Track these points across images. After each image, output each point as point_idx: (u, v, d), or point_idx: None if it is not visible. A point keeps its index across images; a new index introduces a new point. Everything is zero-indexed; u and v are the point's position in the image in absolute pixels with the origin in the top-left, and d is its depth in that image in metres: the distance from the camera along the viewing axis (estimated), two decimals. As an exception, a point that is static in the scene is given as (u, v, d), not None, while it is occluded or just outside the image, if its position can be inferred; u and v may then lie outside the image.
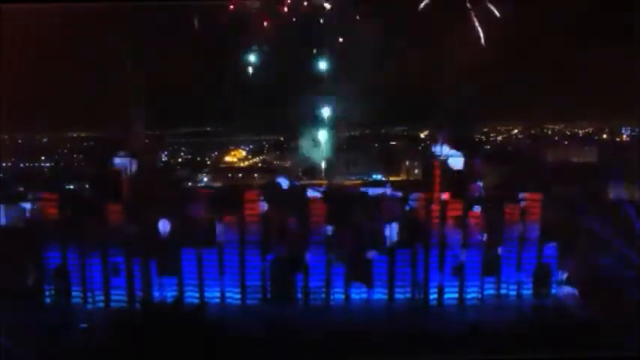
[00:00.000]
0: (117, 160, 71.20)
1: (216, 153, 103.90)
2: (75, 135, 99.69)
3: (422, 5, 71.17)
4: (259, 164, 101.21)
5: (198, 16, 74.06)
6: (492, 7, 73.42)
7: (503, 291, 70.37)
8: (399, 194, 71.12)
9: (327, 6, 77.92)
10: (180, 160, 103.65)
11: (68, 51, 75.20)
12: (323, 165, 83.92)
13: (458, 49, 71.39)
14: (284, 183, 70.71)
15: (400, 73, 75.81)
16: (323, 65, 78.73)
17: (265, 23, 76.65)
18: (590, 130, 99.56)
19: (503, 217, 70.00)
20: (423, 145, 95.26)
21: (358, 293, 69.53)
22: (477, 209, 69.41)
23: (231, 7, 75.14)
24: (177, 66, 78.16)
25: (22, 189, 78.43)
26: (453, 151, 71.36)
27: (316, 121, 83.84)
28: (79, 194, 74.04)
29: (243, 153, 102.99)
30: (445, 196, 70.27)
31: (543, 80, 76.49)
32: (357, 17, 77.60)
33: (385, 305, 68.98)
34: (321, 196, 69.39)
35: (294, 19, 77.14)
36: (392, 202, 70.26)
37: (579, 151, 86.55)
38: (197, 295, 69.19)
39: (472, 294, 69.66)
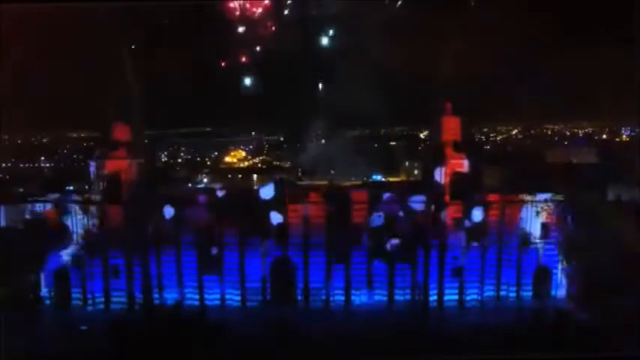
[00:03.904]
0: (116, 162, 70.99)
1: (216, 153, 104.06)
2: (75, 135, 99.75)
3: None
4: (259, 164, 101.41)
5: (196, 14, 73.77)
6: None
7: (503, 292, 70.48)
8: (398, 195, 70.90)
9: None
10: (179, 160, 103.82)
11: (67, 51, 75.01)
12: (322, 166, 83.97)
13: (458, 46, 71.20)
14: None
15: (400, 72, 75.65)
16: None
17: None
18: (590, 130, 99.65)
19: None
20: (422, 145, 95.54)
21: (358, 295, 69.58)
22: (478, 211, 69.27)
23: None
24: (176, 66, 78.10)
25: (21, 190, 78.52)
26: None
27: (316, 121, 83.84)
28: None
29: (243, 153, 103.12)
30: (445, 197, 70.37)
31: (543, 80, 76.22)
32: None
33: (385, 307, 69.05)
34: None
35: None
36: (391, 203, 70.15)
37: (579, 151, 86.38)
38: (197, 297, 69.34)
39: (472, 295, 69.79)
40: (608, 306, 59.95)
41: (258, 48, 73.96)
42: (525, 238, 70.17)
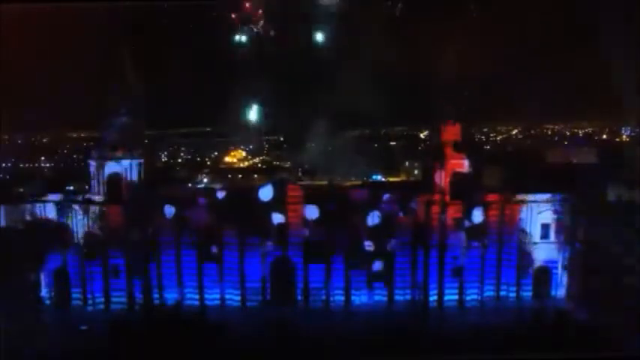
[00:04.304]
0: (116, 162, 71.00)
1: (216, 153, 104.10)
2: (75, 135, 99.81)
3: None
4: (259, 164, 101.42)
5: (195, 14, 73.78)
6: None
7: (503, 292, 70.50)
8: (398, 196, 70.95)
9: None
10: (179, 160, 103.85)
11: (67, 51, 75.07)
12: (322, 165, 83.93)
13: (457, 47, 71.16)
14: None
15: (400, 71, 75.66)
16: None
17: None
18: (590, 130, 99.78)
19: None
20: (422, 145, 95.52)
21: (358, 295, 69.61)
22: (478, 211, 69.27)
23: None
24: (175, 65, 78.12)
25: (21, 190, 78.55)
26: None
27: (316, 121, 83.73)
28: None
29: (243, 153, 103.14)
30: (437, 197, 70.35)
31: (543, 80, 76.25)
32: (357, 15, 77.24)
33: (385, 307, 69.08)
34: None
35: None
36: (391, 203, 70.19)
37: (579, 151, 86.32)
38: (197, 297, 69.37)
39: (472, 295, 69.77)
40: (608, 306, 60.01)
41: (258, 48, 74.01)
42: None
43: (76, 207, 70.52)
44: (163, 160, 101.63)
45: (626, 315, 56.63)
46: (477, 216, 69.15)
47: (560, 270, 70.51)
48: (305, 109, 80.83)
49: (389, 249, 69.32)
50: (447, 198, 69.99)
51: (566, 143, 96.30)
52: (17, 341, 54.57)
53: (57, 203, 70.25)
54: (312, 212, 69.21)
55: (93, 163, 71.51)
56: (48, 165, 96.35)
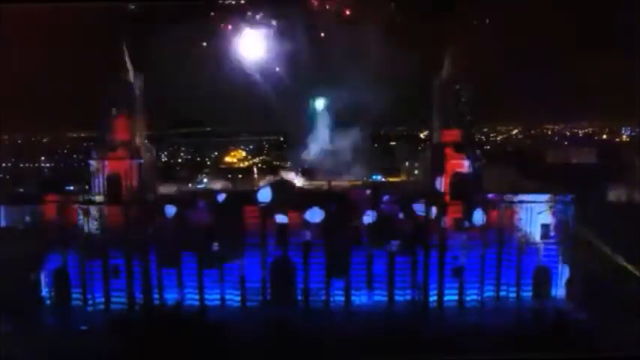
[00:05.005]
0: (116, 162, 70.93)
1: (216, 153, 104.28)
2: (75, 135, 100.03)
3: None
4: (259, 164, 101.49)
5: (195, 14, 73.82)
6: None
7: (503, 293, 70.47)
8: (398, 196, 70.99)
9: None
10: (180, 160, 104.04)
11: (67, 50, 75.16)
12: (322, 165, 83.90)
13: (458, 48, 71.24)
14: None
15: (399, 72, 75.77)
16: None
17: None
18: (590, 130, 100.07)
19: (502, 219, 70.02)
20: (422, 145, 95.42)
21: (358, 295, 69.59)
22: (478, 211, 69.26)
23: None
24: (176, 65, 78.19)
25: (21, 190, 78.68)
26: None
27: (316, 121, 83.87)
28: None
29: (243, 153, 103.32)
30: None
31: (543, 80, 76.39)
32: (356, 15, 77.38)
33: (385, 307, 69.05)
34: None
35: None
36: (391, 203, 70.20)
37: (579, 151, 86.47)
38: (197, 297, 69.32)
39: (472, 296, 69.75)
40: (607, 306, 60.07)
41: (259, 49, 74.12)
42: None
43: (75, 207, 70.42)
44: (163, 160, 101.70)
45: (626, 315, 56.73)
46: (478, 216, 69.11)
47: (560, 270, 70.44)
48: (305, 109, 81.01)
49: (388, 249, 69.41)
50: (447, 198, 70.04)
51: (566, 143, 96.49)
52: (17, 341, 54.72)
53: (57, 203, 70.16)
54: (313, 213, 69.18)
55: (93, 163, 71.42)
56: (48, 165, 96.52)
